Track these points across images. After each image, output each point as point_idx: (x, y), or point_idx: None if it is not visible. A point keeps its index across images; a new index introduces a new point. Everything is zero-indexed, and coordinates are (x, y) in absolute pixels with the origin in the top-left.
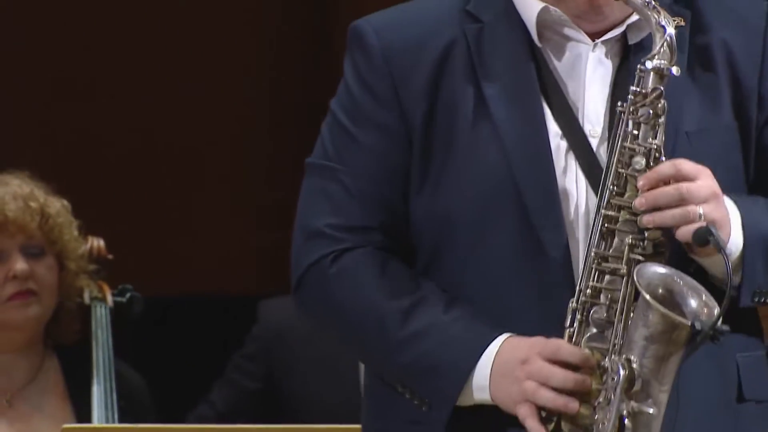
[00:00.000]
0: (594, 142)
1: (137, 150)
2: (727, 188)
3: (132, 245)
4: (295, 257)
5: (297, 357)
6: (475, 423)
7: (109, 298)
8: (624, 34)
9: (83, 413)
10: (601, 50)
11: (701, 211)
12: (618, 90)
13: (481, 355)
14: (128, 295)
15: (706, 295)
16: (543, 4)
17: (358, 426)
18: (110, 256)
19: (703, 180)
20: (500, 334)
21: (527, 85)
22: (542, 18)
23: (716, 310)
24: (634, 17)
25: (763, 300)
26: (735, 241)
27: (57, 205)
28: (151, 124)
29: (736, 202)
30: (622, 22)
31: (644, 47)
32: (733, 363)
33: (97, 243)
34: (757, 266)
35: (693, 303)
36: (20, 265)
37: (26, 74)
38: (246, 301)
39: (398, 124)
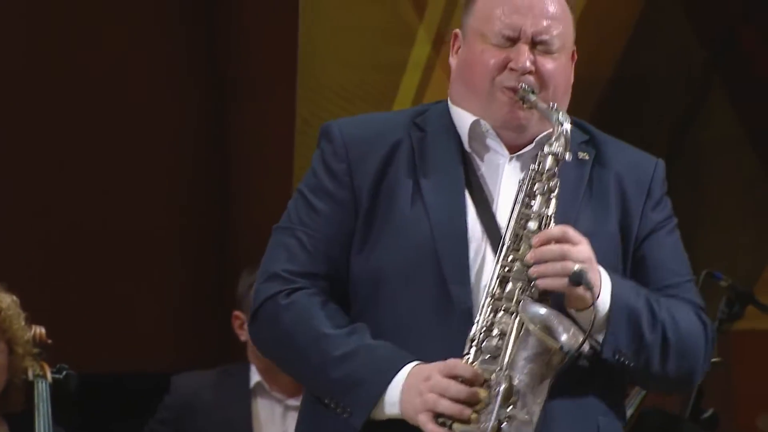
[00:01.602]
0: (503, 232)
1: (71, 250)
2: None
3: (68, 332)
4: (254, 295)
5: (201, 423)
6: None
7: (49, 376)
8: (538, 149)
9: None
10: (515, 162)
11: (577, 268)
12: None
13: (396, 375)
14: (65, 372)
15: (576, 330)
16: (475, 118)
17: None
18: (50, 341)
19: (584, 246)
20: (413, 360)
21: (455, 180)
22: (473, 129)
23: (581, 338)
24: (545, 133)
25: (622, 359)
26: (603, 301)
27: (8, 300)
28: (82, 228)
29: (609, 275)
30: (535, 137)
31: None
32: (595, 423)
33: (39, 330)
34: (620, 328)
35: (564, 336)
36: None
37: None
38: (161, 376)
39: (349, 197)
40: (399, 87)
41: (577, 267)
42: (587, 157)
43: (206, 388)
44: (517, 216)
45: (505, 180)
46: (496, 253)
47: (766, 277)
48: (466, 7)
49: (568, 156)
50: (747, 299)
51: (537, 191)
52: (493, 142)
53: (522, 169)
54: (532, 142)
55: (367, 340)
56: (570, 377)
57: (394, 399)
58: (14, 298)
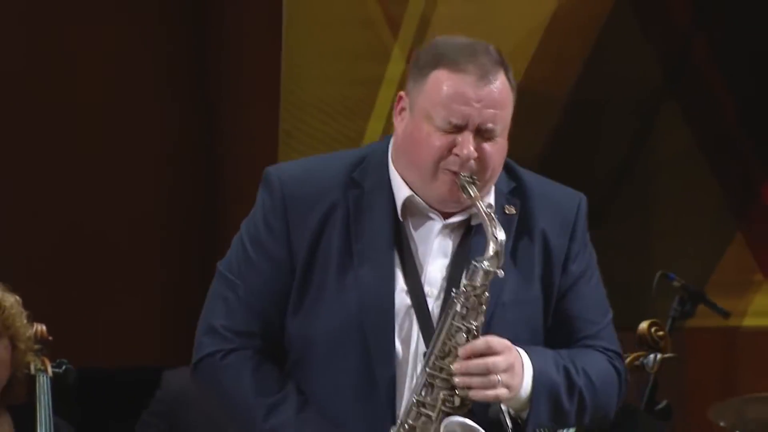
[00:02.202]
0: (430, 301)
1: (68, 252)
2: (529, 342)
3: (68, 329)
4: (196, 344)
5: (191, 415)
6: None
7: (50, 370)
8: (469, 216)
9: None
10: (448, 229)
11: (500, 378)
12: (455, 261)
13: None
14: (64, 367)
15: None
16: (410, 193)
17: None
18: (50, 338)
19: (505, 355)
20: None
21: (387, 249)
22: (407, 203)
23: None
24: (479, 208)
25: (543, 429)
26: (525, 387)
27: (11, 300)
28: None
29: (530, 357)
30: (470, 207)
31: (481, 230)
32: None
33: (41, 328)
34: (541, 407)
35: None
36: None
37: None
38: (153, 370)
39: (286, 257)
40: (375, 101)
41: (501, 406)
42: (514, 211)
43: None
44: (447, 328)
45: (436, 247)
46: (420, 327)
47: (715, 279)
48: (416, 77)
49: (500, 273)
50: (698, 298)
51: (468, 305)
52: (427, 211)
53: (452, 234)
54: (465, 210)
55: (293, 415)
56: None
57: None
58: (17, 297)
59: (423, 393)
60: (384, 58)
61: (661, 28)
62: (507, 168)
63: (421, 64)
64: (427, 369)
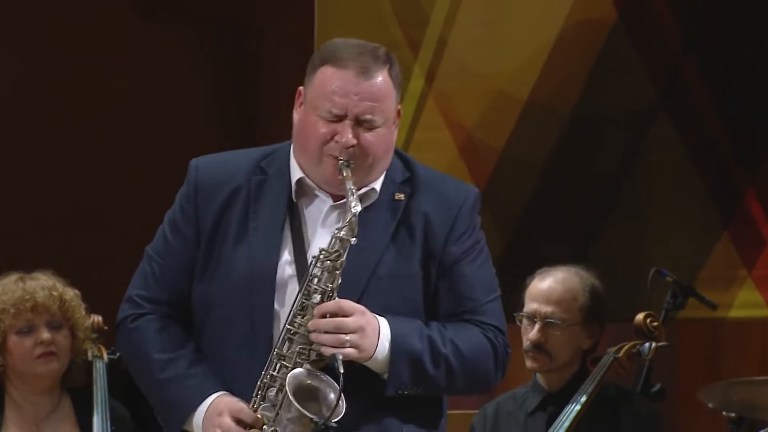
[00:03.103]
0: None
1: (120, 252)
2: (406, 314)
3: None
4: (118, 312)
5: None
6: None
7: (105, 356)
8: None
9: None
10: (334, 210)
11: (348, 338)
12: None
13: (201, 402)
14: (118, 354)
15: (341, 396)
16: (302, 175)
17: None
18: (106, 328)
19: (356, 317)
20: (218, 390)
21: (278, 225)
22: (299, 184)
23: (331, 409)
24: (363, 190)
25: (404, 391)
26: (381, 350)
27: (71, 294)
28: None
29: (390, 324)
30: (358, 191)
31: (363, 213)
32: None
33: (97, 319)
34: (400, 370)
35: (330, 397)
36: (45, 335)
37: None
38: None
39: (194, 234)
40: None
41: (336, 354)
42: (402, 198)
43: None
44: (305, 289)
45: (322, 225)
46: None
47: (703, 275)
48: (309, 73)
49: (353, 240)
50: (689, 292)
51: (325, 268)
52: (318, 192)
53: (339, 214)
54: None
55: (184, 369)
56: (375, 395)
57: (198, 422)
58: (76, 291)
59: (284, 347)
60: (405, 75)
61: (654, 50)
62: (405, 162)
63: (315, 62)
64: (287, 325)
